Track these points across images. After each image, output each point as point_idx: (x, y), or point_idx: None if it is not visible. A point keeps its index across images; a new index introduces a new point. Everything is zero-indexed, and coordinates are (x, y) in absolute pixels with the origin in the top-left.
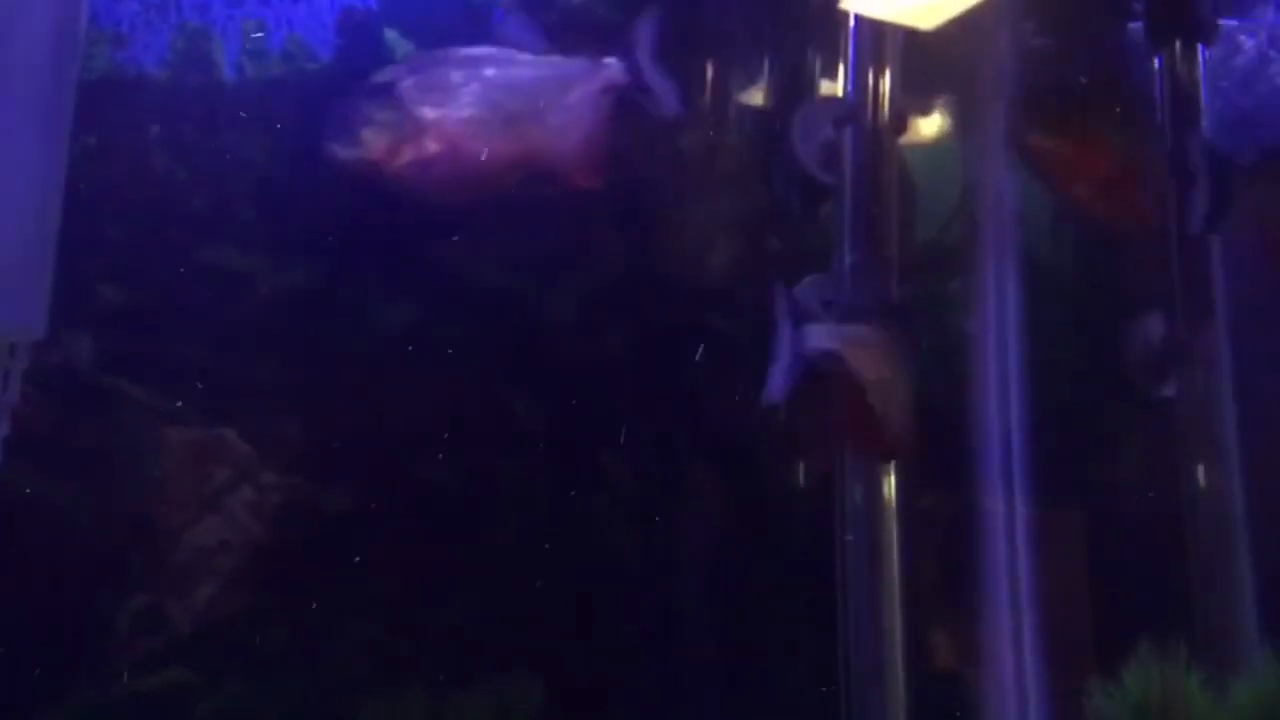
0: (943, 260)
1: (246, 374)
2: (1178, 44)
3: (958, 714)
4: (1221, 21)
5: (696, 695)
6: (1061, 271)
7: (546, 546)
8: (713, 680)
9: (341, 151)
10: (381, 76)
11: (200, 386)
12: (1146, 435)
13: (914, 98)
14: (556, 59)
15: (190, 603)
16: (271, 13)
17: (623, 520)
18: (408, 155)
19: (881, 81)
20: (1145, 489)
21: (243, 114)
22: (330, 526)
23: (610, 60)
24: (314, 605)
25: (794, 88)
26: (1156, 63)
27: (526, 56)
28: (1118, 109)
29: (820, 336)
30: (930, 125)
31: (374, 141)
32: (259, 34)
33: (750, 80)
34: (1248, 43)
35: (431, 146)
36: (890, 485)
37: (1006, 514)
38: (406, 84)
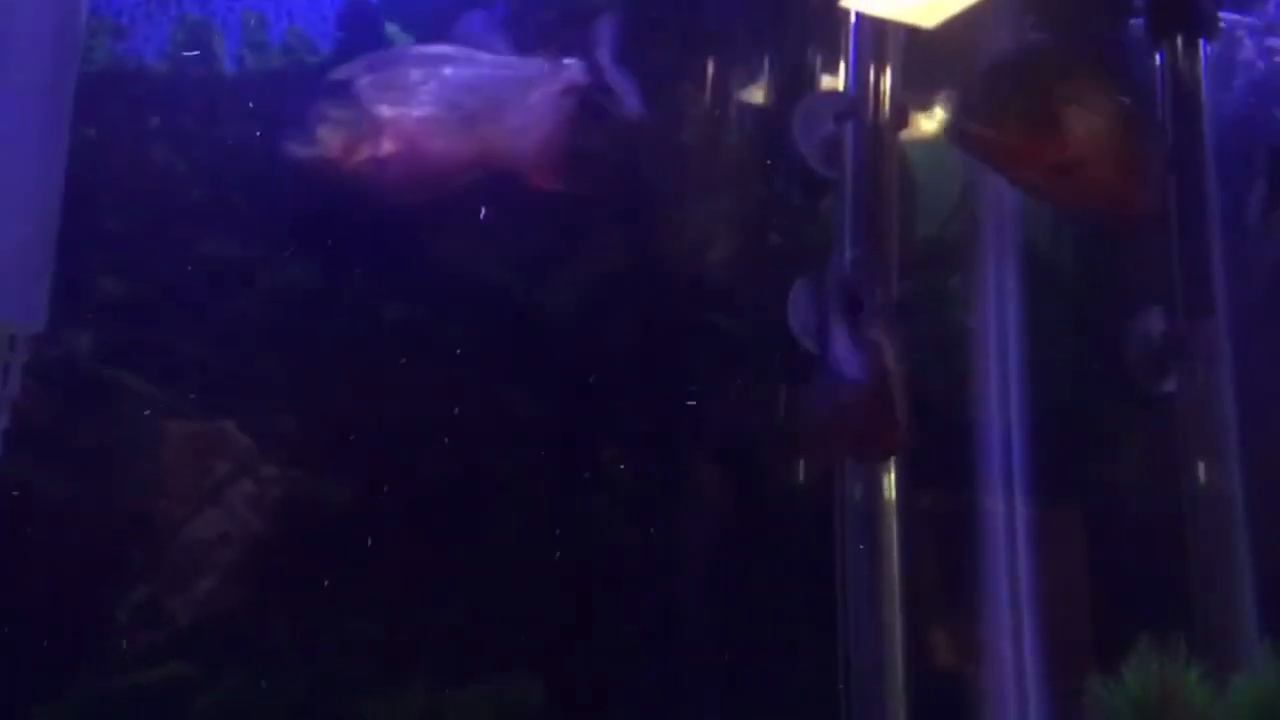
0: (943, 256)
1: (247, 367)
2: (1178, 39)
3: (958, 713)
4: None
5: (696, 694)
6: (1061, 267)
7: (546, 544)
8: (713, 679)
9: (297, 149)
10: (339, 74)
11: (200, 379)
12: (1146, 431)
13: (915, 92)
14: (516, 59)
15: (190, 596)
16: (272, 5)
17: (622, 518)
18: (364, 153)
19: (882, 76)
20: (1145, 485)
21: (250, 104)
22: (330, 521)
23: (571, 61)
24: (313, 600)
25: (795, 82)
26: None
27: (486, 56)
28: (1077, 89)
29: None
30: (931, 120)
31: (330, 139)
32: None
33: (751, 75)
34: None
35: (389, 145)
36: (890, 483)
37: (1006, 510)
38: (364, 82)
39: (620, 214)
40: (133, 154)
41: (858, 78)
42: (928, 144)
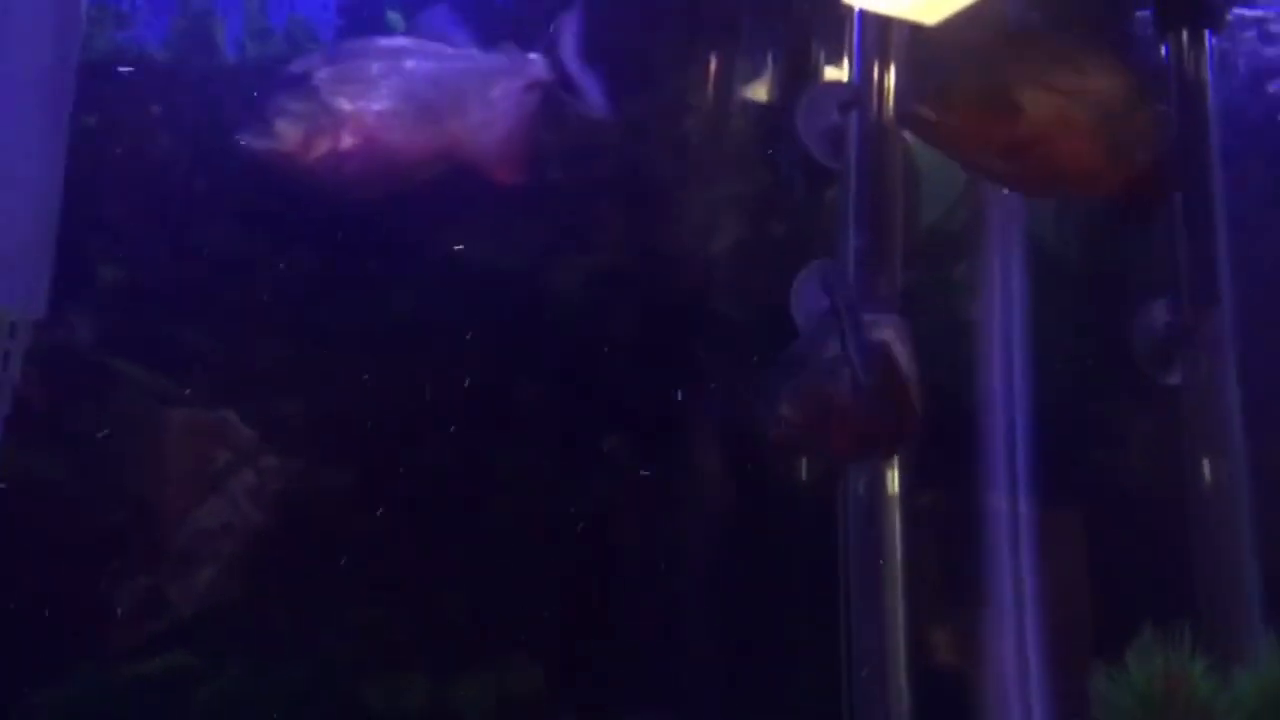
0: (947, 246)
1: (249, 356)
2: (1184, 31)
3: (962, 705)
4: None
5: (698, 681)
6: (1067, 256)
7: (548, 533)
8: (714, 668)
9: (253, 142)
10: (296, 67)
11: (202, 368)
12: (1151, 421)
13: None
14: (478, 53)
15: (191, 586)
16: None
17: (625, 507)
18: (323, 147)
19: (887, 66)
20: (1149, 475)
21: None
22: (332, 510)
23: (535, 56)
24: (315, 590)
25: (799, 72)
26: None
27: (448, 50)
28: (1035, 67)
29: (876, 327)
30: None
31: (288, 133)
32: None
33: (755, 64)
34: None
35: (348, 139)
36: (894, 477)
37: (1010, 500)
38: (323, 75)
39: (625, 202)
40: (134, 141)
41: (862, 64)
42: None
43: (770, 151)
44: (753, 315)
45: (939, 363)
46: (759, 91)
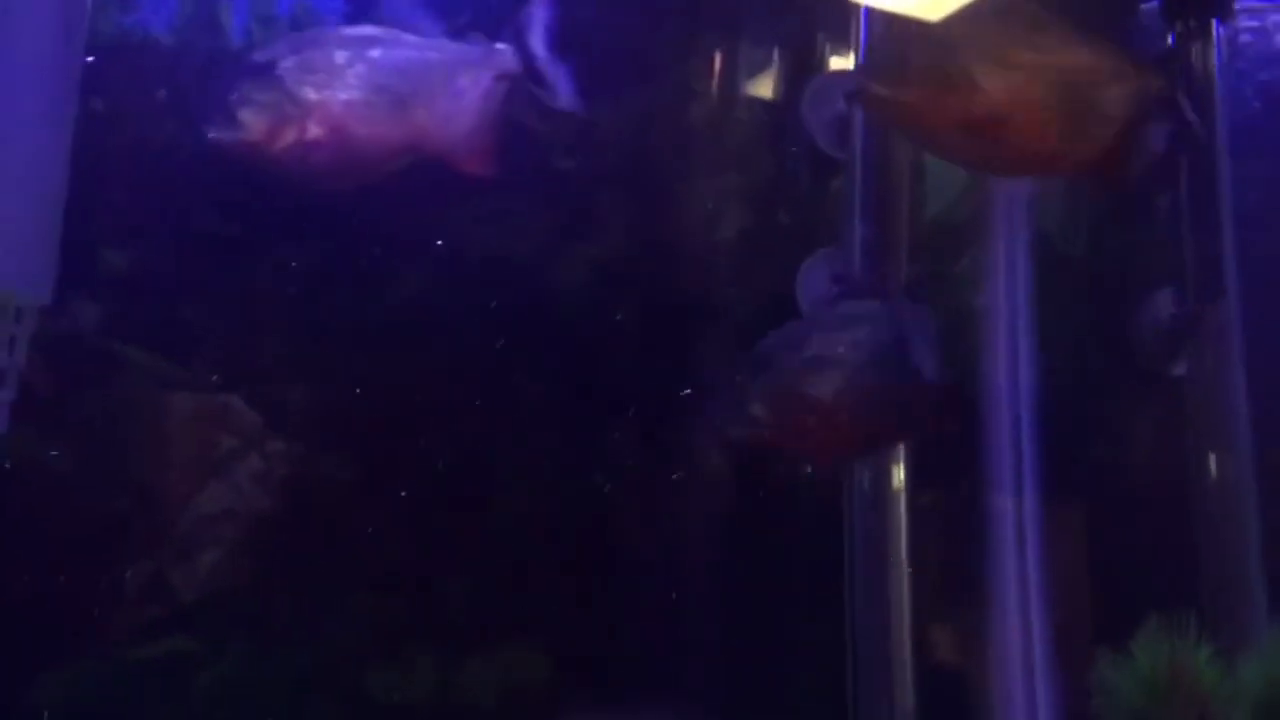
0: (952, 237)
1: (254, 342)
2: (1192, 21)
3: (967, 703)
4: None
5: (701, 668)
6: (1072, 247)
7: (552, 520)
8: (717, 664)
9: (217, 134)
10: (260, 56)
11: (207, 354)
12: (1156, 411)
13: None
14: (447, 42)
15: (194, 571)
16: None
17: (629, 496)
18: (289, 138)
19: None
20: (1154, 468)
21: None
22: (335, 496)
23: (503, 47)
24: (318, 576)
25: (804, 62)
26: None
27: (414, 38)
28: (994, 44)
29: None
30: None
31: (253, 123)
32: None
33: (761, 54)
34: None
35: (314, 129)
36: (900, 470)
37: (1015, 494)
38: (288, 64)
39: (630, 193)
40: (139, 127)
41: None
42: None
43: (776, 142)
44: (758, 305)
45: (944, 353)
46: (764, 82)
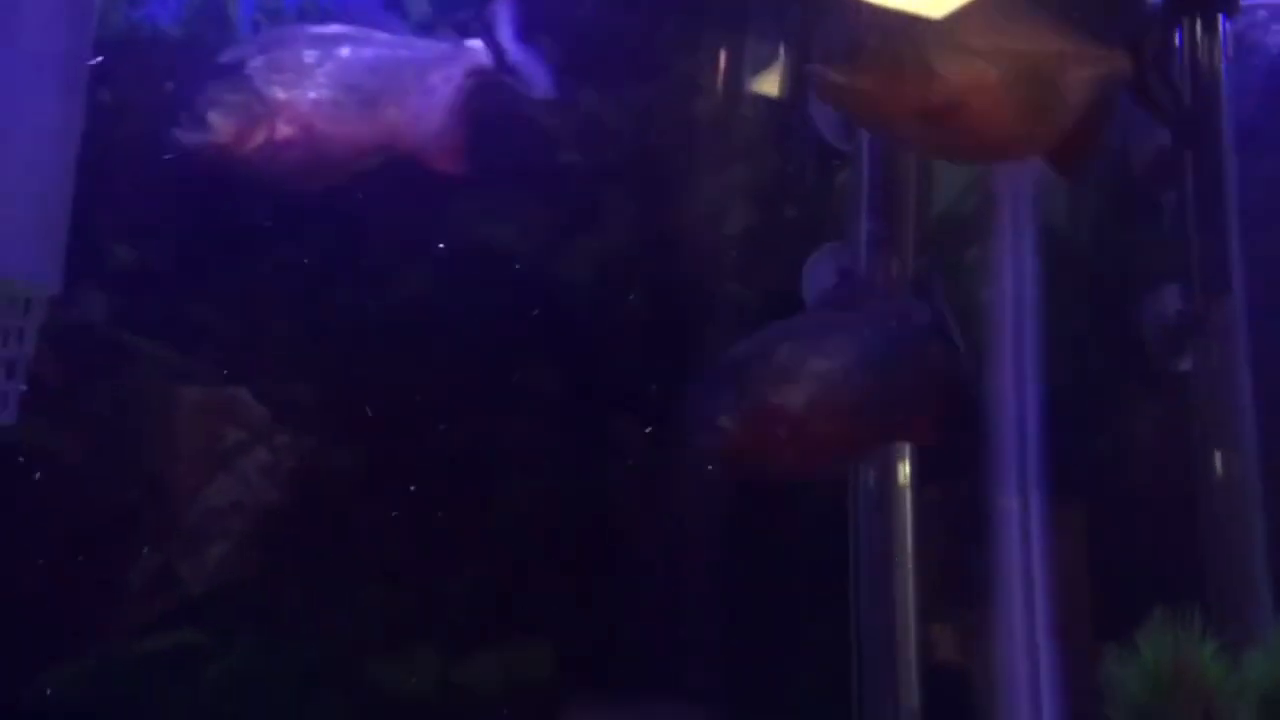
0: (959, 231)
1: (262, 335)
2: (1197, 15)
3: (972, 701)
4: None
5: (704, 668)
6: (1079, 242)
7: (557, 514)
8: (721, 655)
9: (185, 136)
10: (228, 56)
11: (215, 346)
12: (1161, 407)
13: None
14: (416, 39)
15: (202, 563)
16: None
17: (634, 489)
18: (259, 138)
19: None
20: (1159, 464)
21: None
22: (342, 489)
23: (474, 42)
24: (326, 568)
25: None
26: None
27: (384, 36)
28: (960, 30)
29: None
30: None
31: (222, 124)
32: None
33: (767, 47)
34: None
35: (284, 129)
36: (906, 466)
37: (1019, 490)
38: (256, 63)
39: (635, 186)
40: (148, 120)
41: None
42: None
43: (782, 135)
44: (763, 300)
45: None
46: (770, 76)
